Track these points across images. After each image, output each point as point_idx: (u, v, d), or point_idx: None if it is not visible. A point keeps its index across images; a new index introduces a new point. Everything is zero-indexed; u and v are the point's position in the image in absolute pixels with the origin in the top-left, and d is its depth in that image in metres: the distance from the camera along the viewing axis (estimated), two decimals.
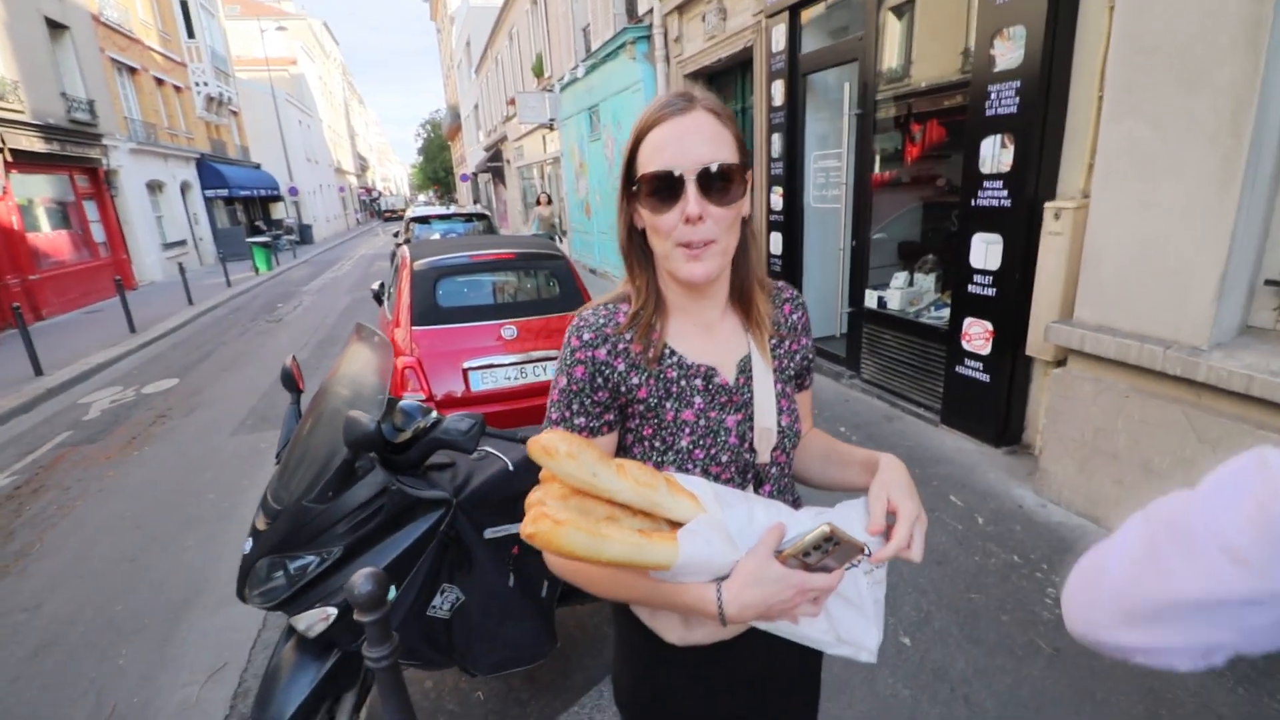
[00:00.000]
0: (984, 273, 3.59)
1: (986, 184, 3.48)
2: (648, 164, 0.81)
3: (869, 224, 4.78)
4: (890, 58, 4.59)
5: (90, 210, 13.78)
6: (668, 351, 0.89)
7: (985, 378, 3.70)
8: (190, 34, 20.98)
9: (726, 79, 7.37)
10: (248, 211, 25.00)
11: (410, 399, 2.14)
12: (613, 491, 0.73)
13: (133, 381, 7.04)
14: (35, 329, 8.63)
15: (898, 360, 4.52)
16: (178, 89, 19.62)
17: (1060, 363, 3.20)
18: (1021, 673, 2.16)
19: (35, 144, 11.41)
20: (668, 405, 0.87)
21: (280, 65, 31.96)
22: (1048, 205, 3.19)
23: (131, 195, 15.31)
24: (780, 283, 1.01)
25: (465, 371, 3.51)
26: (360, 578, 1.11)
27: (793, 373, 0.99)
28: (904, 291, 4.59)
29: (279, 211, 27.79)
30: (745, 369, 0.92)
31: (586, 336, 0.87)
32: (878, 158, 4.86)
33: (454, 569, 1.86)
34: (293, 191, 25.54)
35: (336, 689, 1.85)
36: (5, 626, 2.84)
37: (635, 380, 0.87)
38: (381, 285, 5.46)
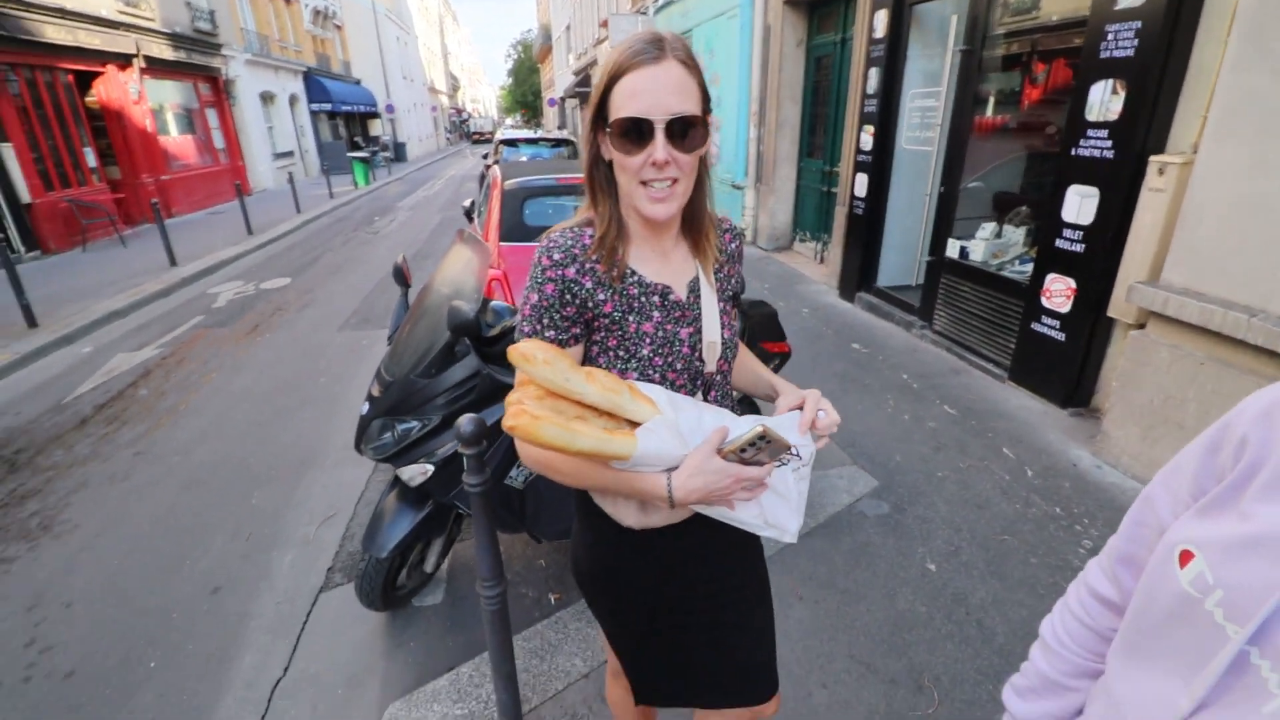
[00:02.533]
0: (1075, 227, 3.47)
1: (1090, 133, 3.30)
2: (621, 108, 0.89)
3: (961, 170, 4.60)
4: None
5: (211, 118, 14.84)
6: (629, 272, 0.99)
7: (1061, 336, 3.63)
8: None
9: (829, 7, 7.00)
10: (348, 127, 26.04)
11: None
12: (582, 394, 0.87)
13: (252, 278, 7.83)
14: (168, 224, 9.61)
15: (972, 314, 4.45)
16: (287, 1, 20.31)
17: (1140, 326, 3.12)
18: (1039, 608, 2.29)
19: (165, 51, 12.30)
20: (630, 319, 0.98)
21: None
22: (1153, 159, 3.02)
23: (247, 105, 16.30)
24: (720, 215, 1.12)
25: None
26: (465, 420, 1.39)
27: (730, 294, 1.12)
28: (989, 243, 4.46)
29: (376, 129, 28.75)
30: (694, 289, 1.04)
31: (556, 256, 0.95)
32: (989, 100, 4.62)
33: None
34: (389, 109, 26.28)
35: (428, 533, 2.24)
36: (164, 466, 3.47)
37: (601, 296, 0.97)
38: (472, 203, 5.78)
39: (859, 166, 5.73)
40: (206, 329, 5.87)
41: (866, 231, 5.68)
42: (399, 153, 28.99)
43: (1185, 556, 0.57)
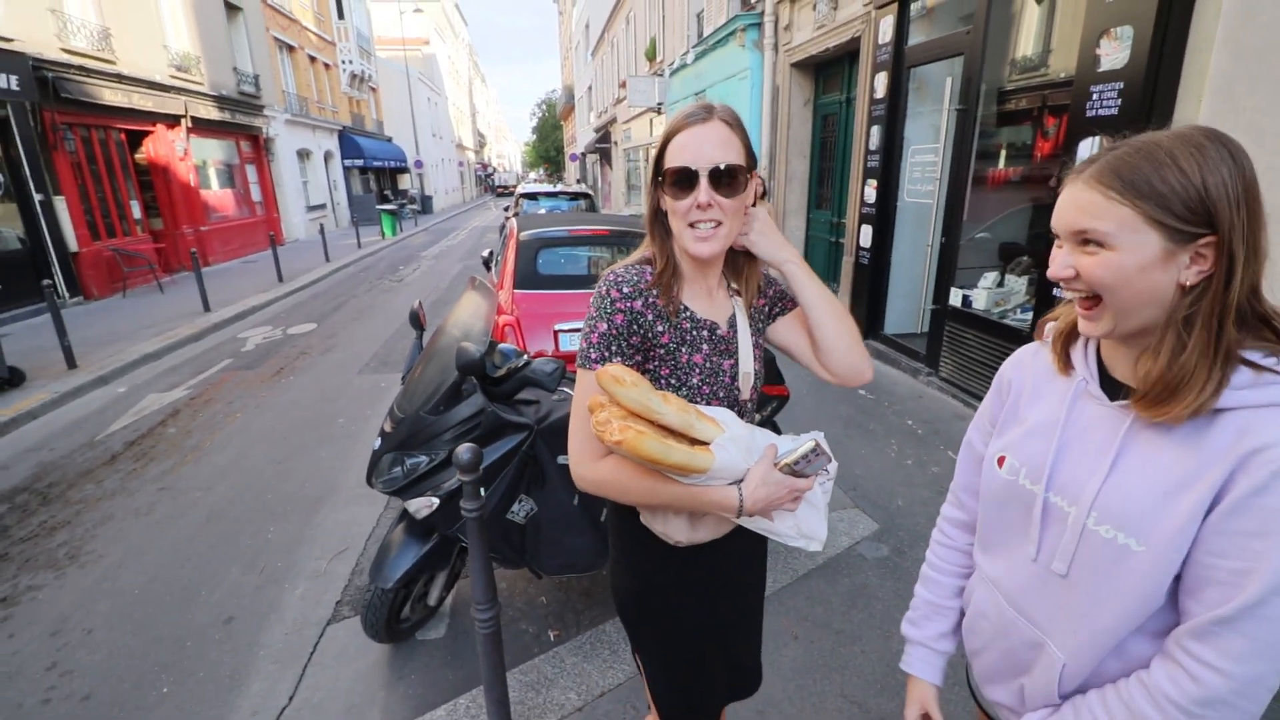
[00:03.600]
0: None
1: None
2: (672, 160, 1.04)
3: (960, 221, 4.74)
4: (997, 53, 4.51)
5: (250, 173, 15.67)
6: (682, 308, 1.11)
7: None
8: (340, 15, 23.02)
9: (833, 69, 7.35)
10: (378, 181, 27.24)
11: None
12: (661, 414, 0.96)
13: (280, 323, 8.15)
14: (204, 272, 10.08)
15: (977, 360, 4.50)
16: (327, 66, 21.65)
17: None
18: None
19: (211, 112, 13.14)
20: (683, 350, 1.10)
21: (415, 45, 34.26)
22: None
23: (284, 161, 17.21)
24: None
25: (556, 332, 3.93)
26: (463, 449, 1.50)
27: (764, 318, 1.23)
28: (991, 292, 4.55)
29: (405, 182, 30.03)
30: (733, 324, 1.16)
31: (626, 290, 1.07)
32: (990, 154, 4.80)
33: (530, 484, 2.26)
34: (418, 164, 27.50)
35: (433, 566, 2.32)
36: (186, 500, 3.60)
37: (660, 329, 1.08)
38: (490, 253, 6.05)
39: (864, 218, 5.91)
40: (234, 371, 6.11)
41: (872, 280, 5.81)
42: (426, 205, 30.13)
43: (1000, 460, 0.92)
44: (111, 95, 9.90)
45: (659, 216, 1.12)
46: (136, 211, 10.93)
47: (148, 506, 3.54)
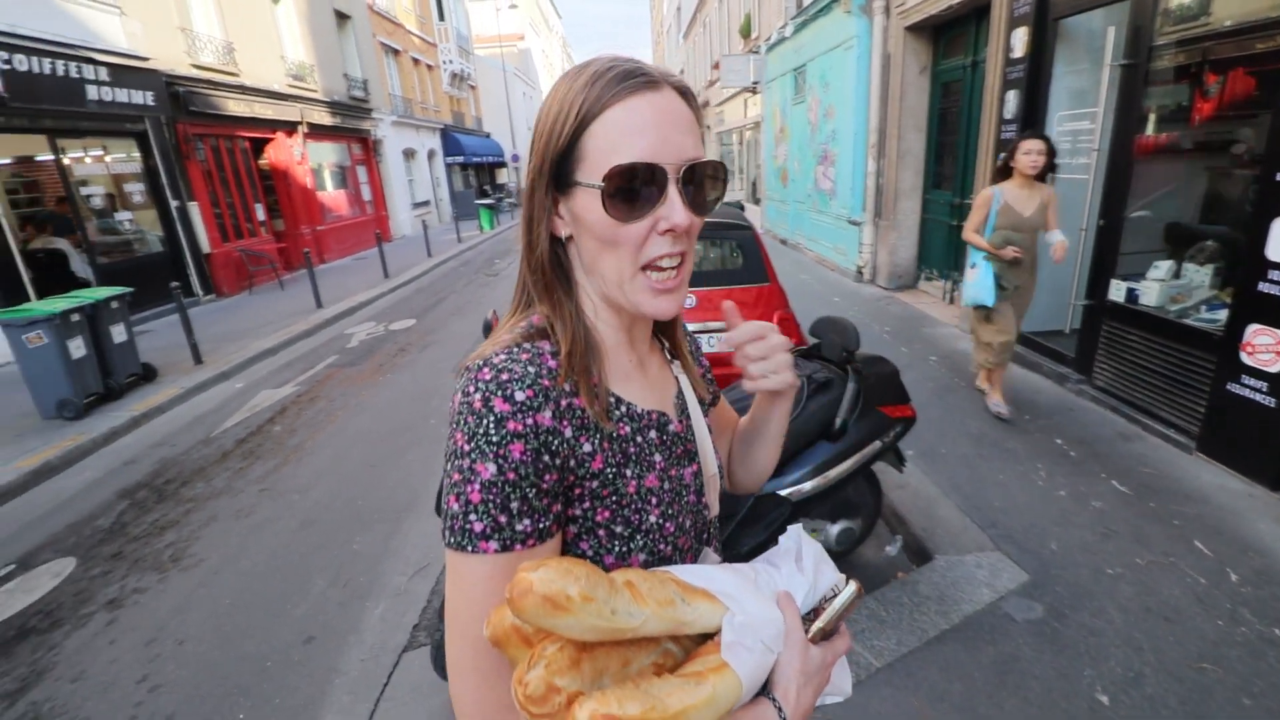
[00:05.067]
0: None
1: None
2: (612, 153, 0.61)
3: (1124, 200, 3.96)
4: None
5: (361, 174, 16.58)
6: (613, 401, 0.69)
7: (1270, 401, 2.92)
8: (441, 17, 23.86)
9: (956, 30, 6.51)
10: (478, 176, 28.20)
11: None
12: (634, 628, 0.54)
13: (384, 319, 8.45)
14: (318, 270, 10.70)
15: (1144, 368, 3.75)
16: (429, 67, 22.53)
17: None
18: None
19: (324, 118, 13.94)
20: (628, 473, 0.67)
21: (510, 41, 35.06)
22: None
23: (391, 161, 18.08)
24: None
25: None
26: None
27: (709, 399, 0.89)
28: (1165, 284, 3.76)
29: (503, 176, 30.95)
30: (683, 408, 0.79)
31: (521, 396, 0.60)
32: (1153, 118, 3.98)
33: None
34: (515, 159, 28.24)
35: None
36: (284, 503, 3.65)
37: (588, 448, 0.64)
38: None
39: None
40: (339, 368, 6.33)
41: None
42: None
43: None
44: (235, 106, 10.66)
45: (554, 257, 0.71)
46: (260, 214, 11.78)
47: (249, 508, 3.62)
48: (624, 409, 0.70)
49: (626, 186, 0.61)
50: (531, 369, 0.62)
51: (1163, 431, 3.53)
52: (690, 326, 3.58)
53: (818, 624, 0.64)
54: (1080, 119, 4.40)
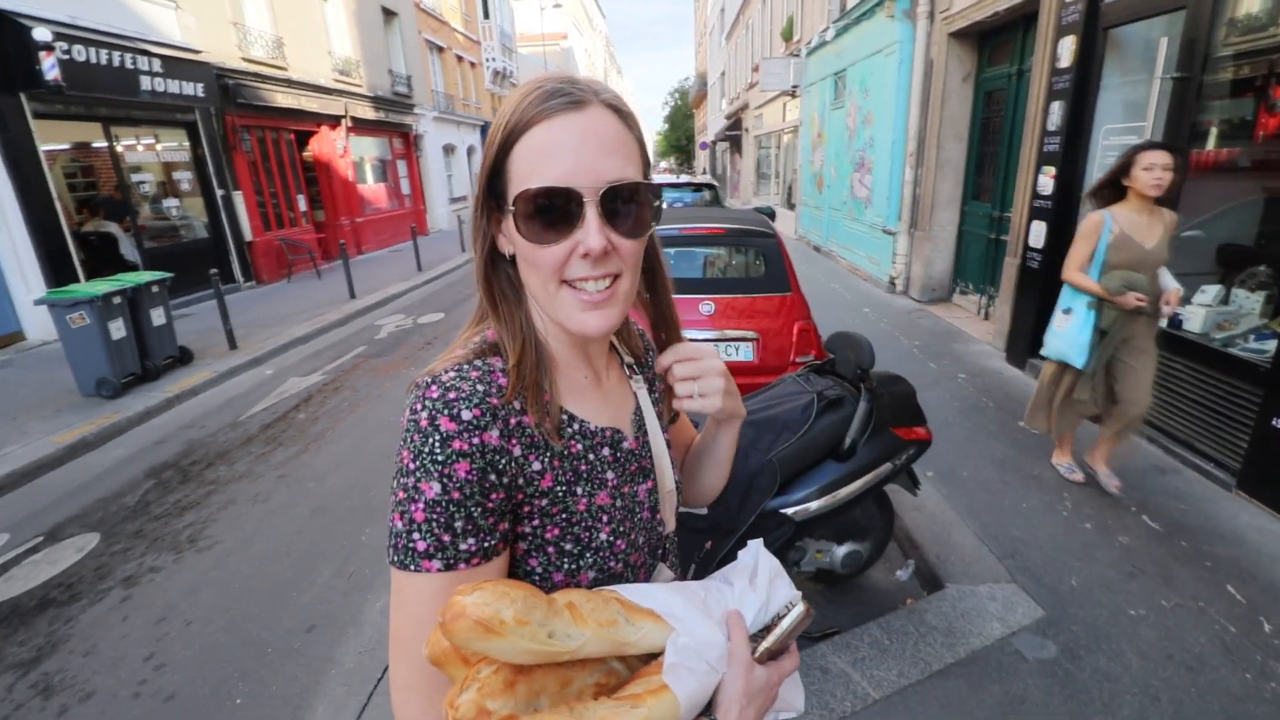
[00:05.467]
0: None
1: None
2: (529, 175, 0.61)
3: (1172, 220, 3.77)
4: (1230, 6, 3.49)
5: (401, 168, 16.88)
6: (565, 419, 0.69)
7: None
8: (485, 15, 24.17)
9: (1002, 37, 6.30)
10: None
11: None
12: (572, 651, 0.54)
13: (413, 311, 8.58)
14: (354, 261, 10.92)
15: (1185, 397, 3.56)
16: (472, 64, 22.84)
17: None
18: None
19: (368, 112, 14.23)
20: (579, 491, 0.68)
21: (553, 40, 35.37)
22: None
23: (431, 156, 18.39)
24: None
25: None
26: None
27: (666, 416, 0.87)
28: (1212, 310, 3.57)
29: None
30: (640, 424, 0.78)
31: (467, 415, 0.59)
32: (1208, 133, 3.78)
33: None
34: None
35: None
36: (300, 490, 3.73)
37: (537, 466, 0.64)
38: None
39: (1035, 213, 4.98)
40: (366, 359, 6.44)
41: (1043, 287, 4.86)
42: None
43: None
44: (283, 99, 10.95)
45: (496, 267, 0.71)
46: (302, 204, 12.10)
47: (266, 493, 3.70)
48: (576, 426, 0.70)
49: (539, 211, 0.62)
50: (480, 387, 0.62)
51: (1201, 466, 3.35)
52: (707, 335, 3.57)
53: (765, 644, 0.64)
54: (1129, 133, 4.21)
